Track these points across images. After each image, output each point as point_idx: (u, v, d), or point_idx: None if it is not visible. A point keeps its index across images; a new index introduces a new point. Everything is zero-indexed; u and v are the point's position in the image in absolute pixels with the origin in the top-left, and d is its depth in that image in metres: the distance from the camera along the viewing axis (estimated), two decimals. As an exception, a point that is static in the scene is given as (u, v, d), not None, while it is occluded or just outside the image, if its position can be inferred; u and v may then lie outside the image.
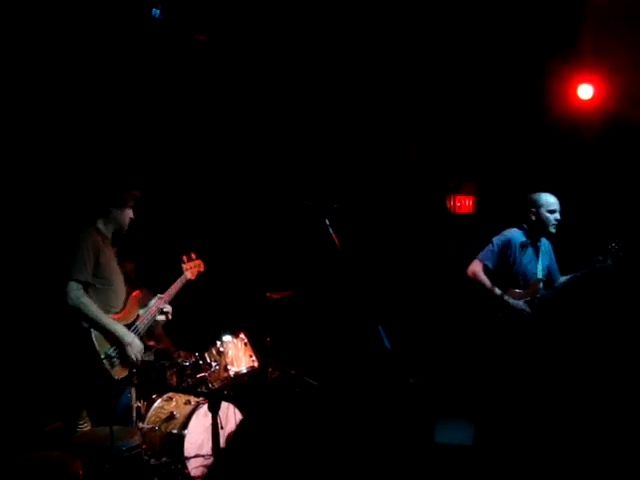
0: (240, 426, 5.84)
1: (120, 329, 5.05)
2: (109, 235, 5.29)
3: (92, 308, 4.93)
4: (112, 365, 4.97)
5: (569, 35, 7.05)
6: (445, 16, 6.90)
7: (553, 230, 5.94)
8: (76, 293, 4.91)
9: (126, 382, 5.08)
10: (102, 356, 4.92)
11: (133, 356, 5.08)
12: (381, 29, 7.05)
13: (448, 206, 8.60)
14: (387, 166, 8.22)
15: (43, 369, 5.68)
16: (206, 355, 6.16)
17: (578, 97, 7.43)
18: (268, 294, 6.67)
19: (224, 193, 7.75)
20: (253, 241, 7.80)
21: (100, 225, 5.25)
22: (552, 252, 6.13)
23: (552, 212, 5.92)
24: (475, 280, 5.95)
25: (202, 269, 5.90)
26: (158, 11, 6.05)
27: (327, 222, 4.95)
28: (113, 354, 4.99)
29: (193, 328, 6.83)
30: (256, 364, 6.43)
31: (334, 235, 4.92)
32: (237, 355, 6.33)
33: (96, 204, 5.25)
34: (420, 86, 7.78)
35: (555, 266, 6.12)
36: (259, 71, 7.33)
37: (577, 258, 6.14)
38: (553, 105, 7.52)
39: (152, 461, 5.58)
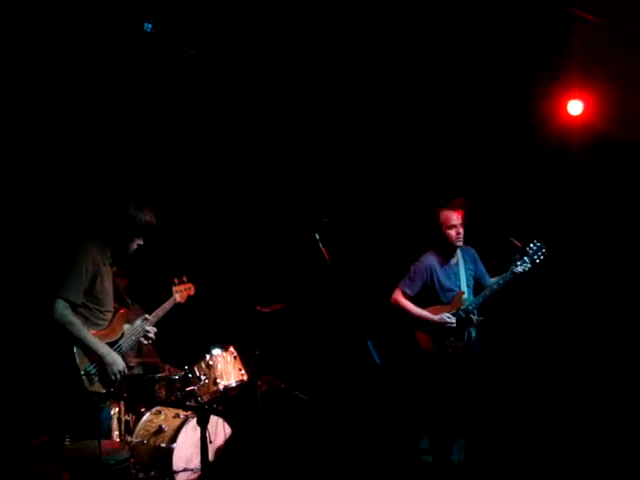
0: (229, 440, 5.82)
1: (102, 348, 5.02)
2: (110, 254, 5.25)
3: (77, 328, 4.91)
4: (91, 382, 4.95)
5: (559, 51, 7.09)
6: (434, 32, 6.93)
7: (459, 244, 6.16)
8: (63, 311, 4.89)
9: (103, 399, 5.05)
10: (82, 372, 4.90)
11: (113, 376, 5.06)
12: (370, 45, 7.07)
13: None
14: (376, 180, 8.23)
15: (29, 383, 5.66)
16: (195, 368, 6.14)
17: (568, 113, 7.46)
18: (258, 307, 6.67)
19: (214, 206, 7.75)
20: (243, 254, 7.80)
21: (104, 245, 5.21)
22: (477, 259, 6.35)
23: (451, 228, 6.13)
24: (397, 306, 6.25)
25: (192, 292, 5.86)
26: (150, 25, 6.07)
27: (317, 236, 4.96)
28: (93, 371, 4.97)
29: (182, 341, 6.82)
30: (245, 378, 6.42)
31: (324, 249, 4.94)
32: (226, 369, 6.31)
33: (110, 230, 5.20)
34: (410, 101, 7.80)
35: (483, 271, 6.33)
36: (249, 86, 7.34)
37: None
38: (543, 121, 7.55)
39: (140, 475, 5.57)
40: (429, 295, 6.21)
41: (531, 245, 6.10)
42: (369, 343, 4.76)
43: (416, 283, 6.22)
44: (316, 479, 5.86)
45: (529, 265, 6.05)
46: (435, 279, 6.18)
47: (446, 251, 6.23)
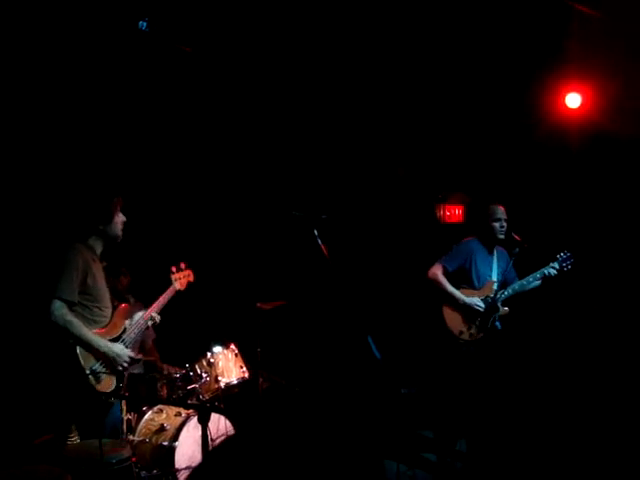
0: (230, 437, 5.82)
1: (104, 345, 5.02)
2: (99, 250, 5.26)
3: (76, 326, 4.91)
4: (98, 380, 4.94)
5: (557, 45, 7.08)
6: (431, 29, 6.93)
7: (500, 236, 6.49)
8: (60, 311, 4.89)
9: (112, 396, 5.06)
10: (87, 372, 4.90)
11: (120, 367, 5.05)
12: (368, 47, 7.08)
13: (438, 215, 8.66)
14: (376, 176, 8.23)
15: (32, 383, 5.66)
16: (196, 366, 6.14)
17: (566, 106, 7.46)
18: (258, 305, 6.68)
19: (214, 204, 7.75)
20: (243, 252, 7.80)
21: (91, 241, 5.22)
22: (509, 260, 6.58)
23: (496, 220, 6.47)
24: (434, 280, 6.53)
25: (192, 279, 5.86)
26: (145, 24, 6.07)
27: (316, 233, 4.95)
28: (99, 369, 4.96)
29: (183, 339, 6.82)
30: (247, 375, 6.42)
31: (323, 246, 4.93)
32: (227, 366, 6.31)
33: (85, 222, 5.22)
34: (409, 95, 7.80)
35: (513, 273, 6.58)
36: (247, 81, 7.34)
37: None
38: (541, 114, 7.55)
39: (143, 473, 5.57)
40: (463, 277, 6.50)
41: (561, 254, 6.43)
42: (369, 339, 4.75)
43: (456, 260, 6.53)
44: (316, 475, 5.85)
45: (557, 271, 6.39)
46: (473, 261, 6.50)
47: (488, 241, 6.56)
